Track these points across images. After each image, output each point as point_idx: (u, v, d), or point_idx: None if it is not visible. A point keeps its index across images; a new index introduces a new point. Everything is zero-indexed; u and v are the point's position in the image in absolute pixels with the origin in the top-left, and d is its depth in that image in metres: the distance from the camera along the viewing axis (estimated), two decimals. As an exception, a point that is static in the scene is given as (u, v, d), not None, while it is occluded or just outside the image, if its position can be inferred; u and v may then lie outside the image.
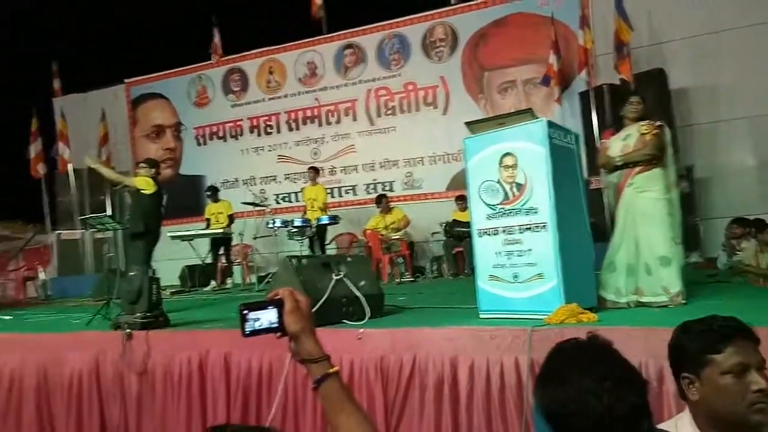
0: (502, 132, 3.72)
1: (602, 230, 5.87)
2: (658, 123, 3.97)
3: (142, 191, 5.11)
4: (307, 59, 10.66)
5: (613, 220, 4.05)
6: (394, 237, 8.26)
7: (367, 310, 3.83)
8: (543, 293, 3.45)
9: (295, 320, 1.15)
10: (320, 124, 10.55)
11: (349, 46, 10.41)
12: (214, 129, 11.37)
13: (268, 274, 8.32)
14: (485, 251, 3.75)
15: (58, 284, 9.76)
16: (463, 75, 9.60)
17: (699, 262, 6.76)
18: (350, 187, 10.24)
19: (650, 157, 3.84)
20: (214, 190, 9.29)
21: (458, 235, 7.91)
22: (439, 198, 9.44)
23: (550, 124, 3.58)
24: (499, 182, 3.66)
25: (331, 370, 1.15)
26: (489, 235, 3.72)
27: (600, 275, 3.91)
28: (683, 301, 3.67)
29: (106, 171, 5.60)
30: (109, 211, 9.07)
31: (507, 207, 3.63)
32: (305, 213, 8.55)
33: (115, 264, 8.19)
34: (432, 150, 9.62)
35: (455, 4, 9.67)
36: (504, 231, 3.64)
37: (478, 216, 3.78)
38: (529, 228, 3.53)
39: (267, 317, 1.15)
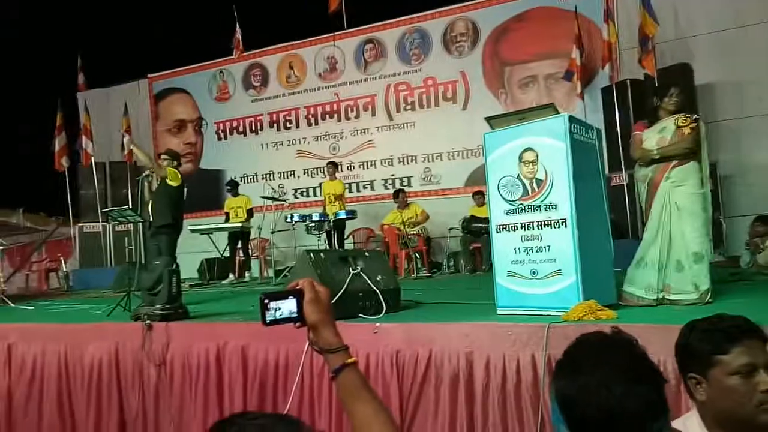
0: (523, 127, 3.68)
1: (622, 227, 5.80)
2: (695, 116, 3.89)
3: (169, 182, 5.16)
4: (327, 54, 10.68)
5: (645, 215, 3.95)
6: (411, 232, 8.25)
7: (384, 304, 3.83)
8: (561, 290, 3.41)
9: (315, 310, 1.16)
10: (339, 119, 10.57)
11: (369, 41, 10.39)
12: (235, 124, 11.45)
13: (286, 268, 8.37)
14: (503, 247, 3.72)
15: (79, 276, 9.94)
16: (484, 70, 9.53)
17: (721, 261, 6.63)
18: (368, 182, 10.24)
19: (688, 151, 3.76)
20: (234, 185, 9.38)
21: (476, 230, 7.86)
22: (456, 194, 9.41)
23: (571, 120, 3.53)
24: (518, 177, 3.62)
25: (349, 361, 1.16)
26: (507, 230, 3.69)
27: (628, 271, 3.85)
28: (710, 300, 3.61)
29: (142, 155, 5.67)
30: (130, 204, 9.20)
31: (526, 203, 3.60)
32: (325, 208, 8.58)
33: (136, 256, 8.31)
34: (451, 145, 9.58)
35: (477, -1, 9.61)
36: (523, 227, 3.61)
37: (497, 211, 3.75)
38: (549, 224, 3.50)
39: (287, 307, 1.17)
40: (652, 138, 3.90)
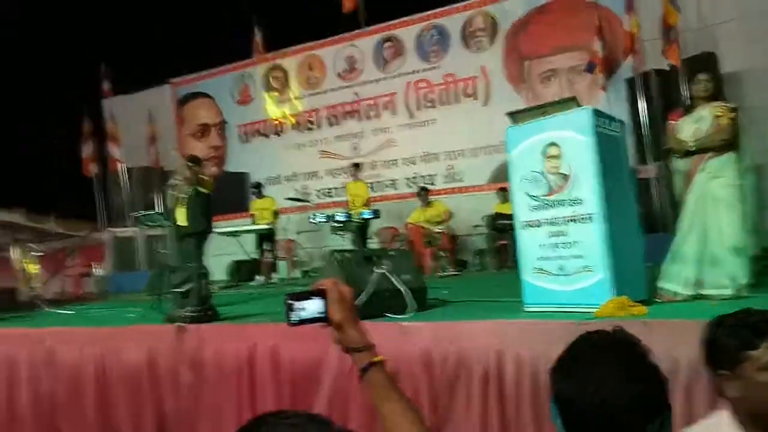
0: (546, 121, 3.65)
1: (651, 220, 5.72)
2: (733, 106, 3.78)
3: (202, 190, 5.27)
4: (346, 54, 10.72)
5: (679, 207, 3.84)
6: (436, 231, 8.25)
7: (411, 303, 3.84)
8: (590, 286, 3.39)
9: (339, 310, 1.17)
10: (360, 119, 10.60)
11: (388, 39, 10.40)
12: (257, 126, 11.56)
13: (313, 268, 8.43)
14: (529, 244, 3.70)
15: (113, 280, 10.14)
16: (504, 65, 9.48)
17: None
18: (391, 182, 10.26)
19: (725, 142, 3.66)
20: (259, 187, 9.47)
21: (501, 227, 7.84)
22: (480, 191, 9.36)
23: (596, 113, 3.50)
24: (542, 173, 3.60)
25: (375, 359, 1.17)
26: (532, 227, 3.68)
27: (663, 267, 3.76)
28: (746, 295, 3.49)
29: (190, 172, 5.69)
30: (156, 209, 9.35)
31: (551, 198, 3.58)
32: (349, 209, 8.63)
33: (167, 260, 8.44)
34: (473, 142, 9.54)
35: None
36: (548, 223, 3.59)
37: (521, 208, 3.74)
38: (574, 219, 3.47)
39: (312, 307, 1.18)
40: (688, 128, 3.80)
